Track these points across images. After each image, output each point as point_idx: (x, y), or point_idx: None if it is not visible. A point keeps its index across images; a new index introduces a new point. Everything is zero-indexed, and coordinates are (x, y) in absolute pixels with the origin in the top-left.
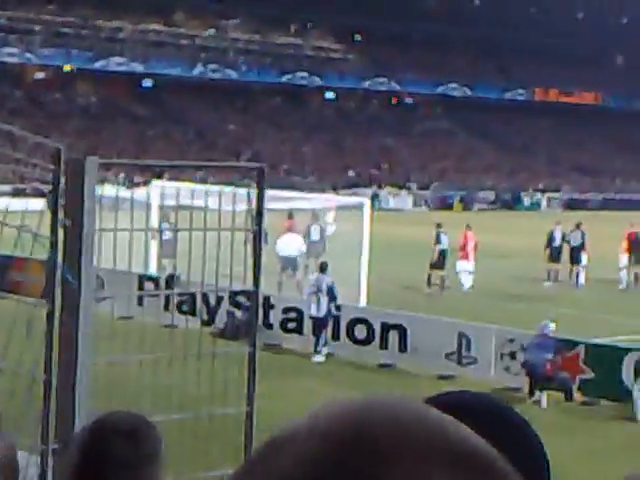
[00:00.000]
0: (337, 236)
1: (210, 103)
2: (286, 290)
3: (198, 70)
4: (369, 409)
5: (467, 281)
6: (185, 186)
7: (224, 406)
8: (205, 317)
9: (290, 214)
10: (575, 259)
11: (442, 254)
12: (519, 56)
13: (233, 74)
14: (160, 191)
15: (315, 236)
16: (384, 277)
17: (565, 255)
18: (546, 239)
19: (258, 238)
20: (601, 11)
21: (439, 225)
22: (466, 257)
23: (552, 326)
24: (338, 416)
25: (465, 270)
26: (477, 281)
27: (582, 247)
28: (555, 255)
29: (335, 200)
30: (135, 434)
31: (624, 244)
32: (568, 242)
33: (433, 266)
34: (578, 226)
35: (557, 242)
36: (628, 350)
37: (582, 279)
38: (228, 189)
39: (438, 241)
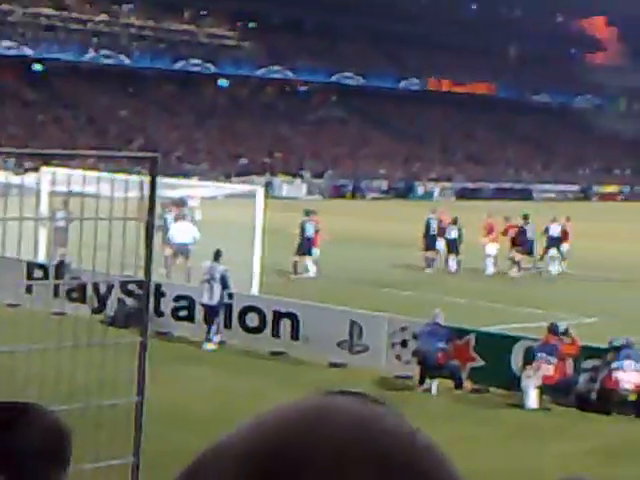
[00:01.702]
0: (230, 224)
1: (102, 89)
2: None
3: (90, 55)
4: (290, 426)
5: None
6: (76, 173)
7: (114, 395)
8: (96, 305)
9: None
10: (451, 249)
11: (303, 241)
12: (412, 46)
13: (126, 60)
14: (51, 177)
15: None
16: (277, 265)
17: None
18: (424, 228)
19: (150, 227)
20: (494, 3)
21: (307, 213)
22: (315, 244)
23: (442, 315)
24: (257, 437)
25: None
26: (365, 269)
27: (459, 240)
28: (431, 243)
29: (228, 188)
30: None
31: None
32: (444, 234)
33: (297, 252)
34: (455, 222)
35: (432, 231)
36: (517, 338)
37: (456, 266)
38: (120, 176)
39: (302, 229)
